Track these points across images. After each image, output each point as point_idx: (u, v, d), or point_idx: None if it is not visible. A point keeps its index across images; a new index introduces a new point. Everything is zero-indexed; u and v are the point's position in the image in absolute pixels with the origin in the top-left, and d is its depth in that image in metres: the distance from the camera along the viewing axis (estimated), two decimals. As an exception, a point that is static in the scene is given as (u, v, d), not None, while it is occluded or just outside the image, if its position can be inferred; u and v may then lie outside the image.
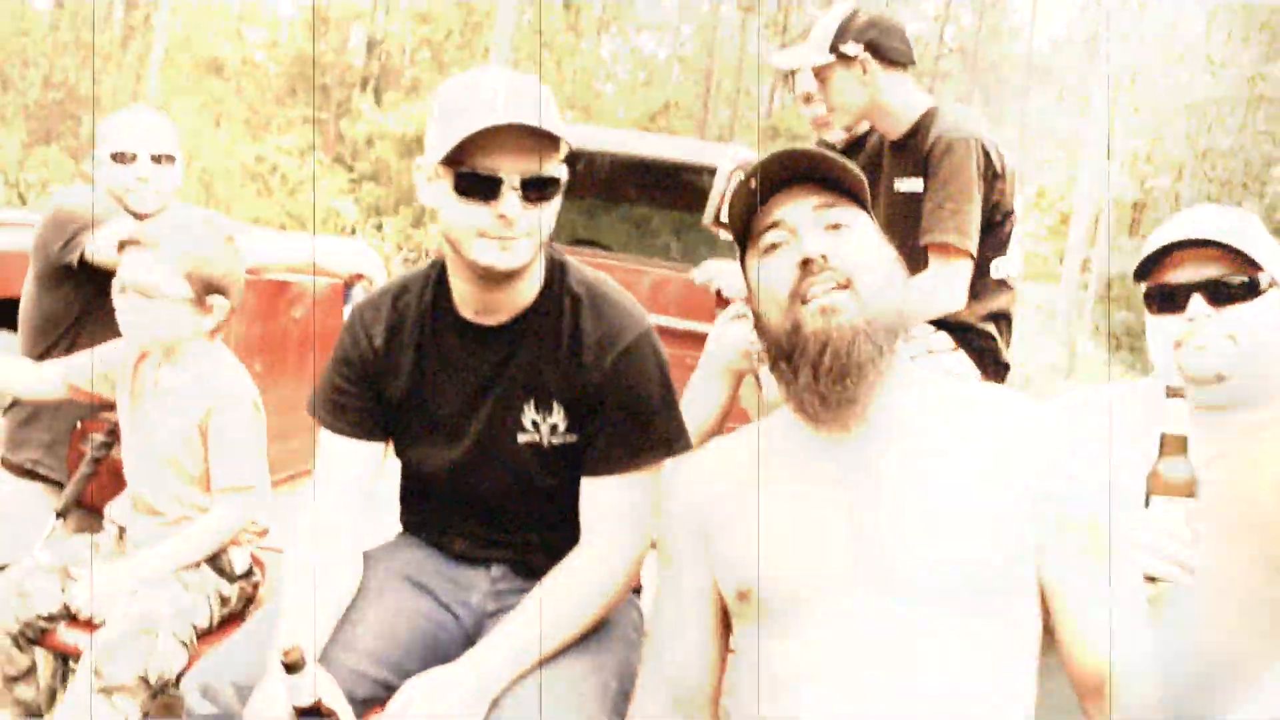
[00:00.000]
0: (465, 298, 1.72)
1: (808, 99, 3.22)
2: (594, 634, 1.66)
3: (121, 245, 2.16)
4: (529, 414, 1.72)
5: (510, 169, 1.54)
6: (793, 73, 3.25)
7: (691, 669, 1.47)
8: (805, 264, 1.35)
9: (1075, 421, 1.43)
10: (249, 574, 2.21)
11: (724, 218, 3.03)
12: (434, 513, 1.86)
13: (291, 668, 1.41)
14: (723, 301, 3.12)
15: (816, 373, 1.33)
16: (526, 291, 1.71)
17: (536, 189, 1.57)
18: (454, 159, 1.55)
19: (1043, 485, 1.31)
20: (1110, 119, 16.25)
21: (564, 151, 1.62)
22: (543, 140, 1.54)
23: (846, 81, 2.66)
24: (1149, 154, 20.58)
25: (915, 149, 2.60)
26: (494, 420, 1.73)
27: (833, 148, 3.23)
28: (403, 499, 1.94)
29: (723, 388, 2.76)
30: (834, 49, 2.64)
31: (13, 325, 5.11)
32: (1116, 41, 17.13)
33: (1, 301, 5.00)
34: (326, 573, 1.67)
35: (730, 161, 3.12)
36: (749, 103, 27.84)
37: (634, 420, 1.68)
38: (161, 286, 2.12)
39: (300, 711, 1.44)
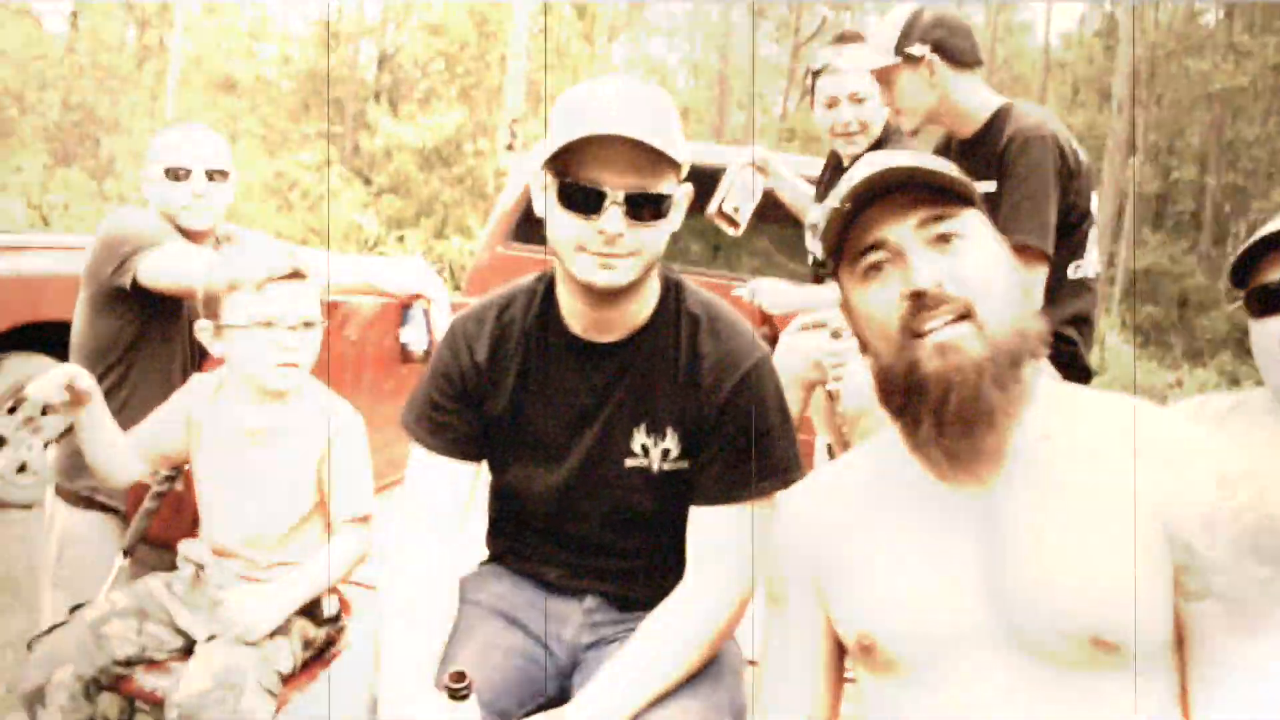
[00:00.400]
0: (574, 314, 1.64)
1: (831, 104, 3.07)
2: (704, 671, 1.58)
3: (229, 285, 2.05)
4: (639, 438, 1.64)
5: (616, 183, 1.47)
6: (814, 76, 3.14)
7: (805, 708, 1.38)
8: (917, 296, 1.20)
9: (1214, 445, 1.21)
10: (336, 618, 2.14)
11: (726, 208, 2.96)
12: (527, 539, 1.78)
13: (456, 694, 1.36)
14: (765, 318, 3.06)
15: (940, 423, 1.19)
16: (639, 311, 1.63)
17: (646, 206, 1.49)
18: (561, 169, 1.48)
19: (1182, 524, 1.14)
20: (1131, 111, 16.12)
21: (683, 170, 1.54)
22: (654, 156, 1.46)
23: (913, 83, 2.58)
24: (1171, 145, 20.43)
25: (988, 149, 2.52)
26: (601, 443, 1.65)
27: (840, 163, 3.14)
28: (492, 524, 1.86)
29: (792, 400, 2.69)
30: (899, 50, 2.57)
31: (44, 348, 5.14)
32: (1134, 33, 16.98)
33: (29, 326, 5.04)
34: (425, 605, 1.61)
35: (744, 157, 3.06)
36: (763, 105, 27.82)
37: (750, 447, 1.60)
38: (318, 315, 2.09)
39: None
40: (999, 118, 2.54)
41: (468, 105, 20.96)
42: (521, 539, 1.79)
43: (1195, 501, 1.15)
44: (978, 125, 2.58)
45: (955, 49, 2.55)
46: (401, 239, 16.68)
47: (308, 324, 2.06)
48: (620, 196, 1.47)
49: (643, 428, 1.64)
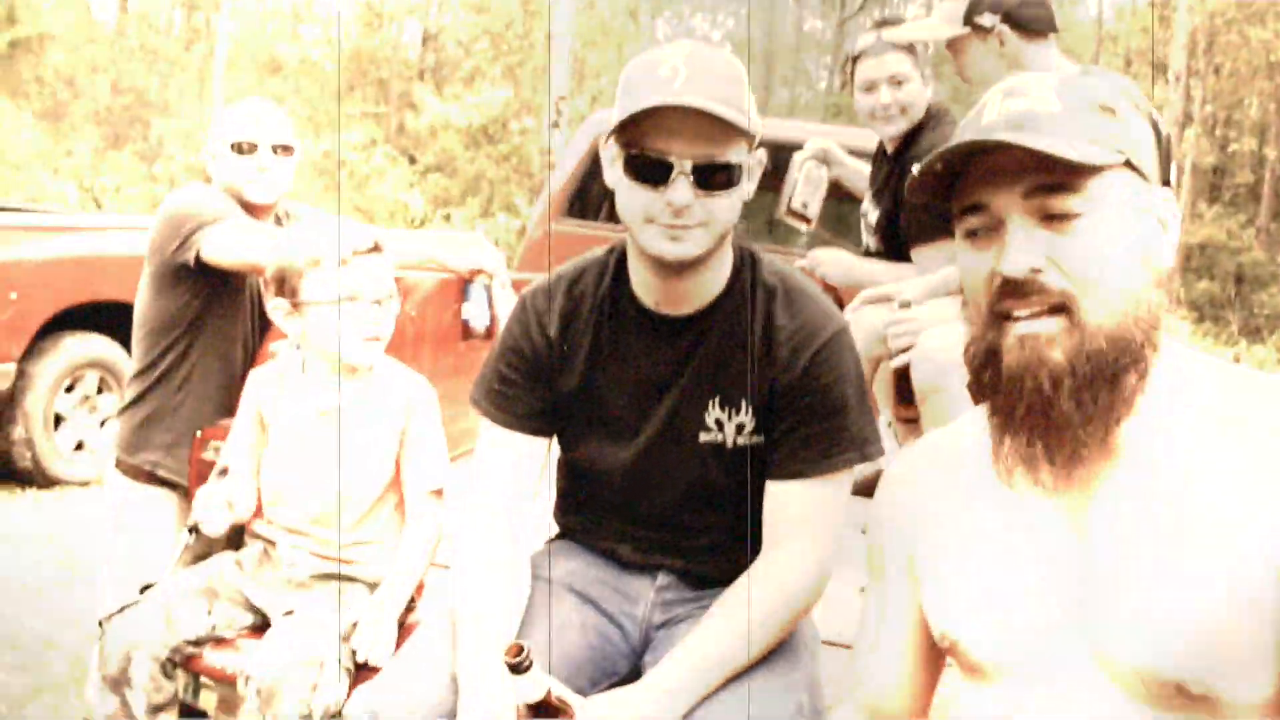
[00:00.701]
0: (646, 286, 1.61)
1: (870, 87, 2.86)
2: (779, 648, 1.56)
3: (311, 262, 2.05)
4: (713, 412, 1.61)
5: (683, 153, 1.43)
6: (854, 60, 3.04)
7: (895, 690, 1.32)
8: (1006, 282, 1.05)
9: None
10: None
11: (795, 205, 2.90)
12: (599, 516, 1.76)
13: (516, 668, 1.34)
14: (829, 288, 3.01)
15: (1010, 424, 1.08)
16: (712, 283, 1.60)
17: (715, 176, 1.45)
18: (628, 140, 1.45)
19: None
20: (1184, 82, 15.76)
21: (756, 138, 1.50)
22: (723, 125, 1.42)
23: (983, 54, 2.52)
24: (1229, 117, 19.97)
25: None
26: (674, 418, 1.62)
27: (885, 151, 3.03)
28: (562, 499, 1.84)
29: (858, 376, 2.64)
30: (968, 20, 2.50)
31: (100, 328, 5.21)
32: (1190, 1, 16.62)
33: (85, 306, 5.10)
34: (499, 582, 1.60)
35: (806, 150, 3.00)
36: (807, 82, 27.55)
37: (828, 421, 1.56)
38: (395, 289, 2.11)
39: (532, 709, 1.38)
40: (1074, 87, 2.46)
41: (513, 83, 20.93)
42: (592, 515, 1.77)
43: None
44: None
45: (1026, 18, 2.48)
46: (448, 217, 16.74)
47: (388, 297, 2.07)
48: (687, 166, 1.43)
49: (717, 402, 1.61)
